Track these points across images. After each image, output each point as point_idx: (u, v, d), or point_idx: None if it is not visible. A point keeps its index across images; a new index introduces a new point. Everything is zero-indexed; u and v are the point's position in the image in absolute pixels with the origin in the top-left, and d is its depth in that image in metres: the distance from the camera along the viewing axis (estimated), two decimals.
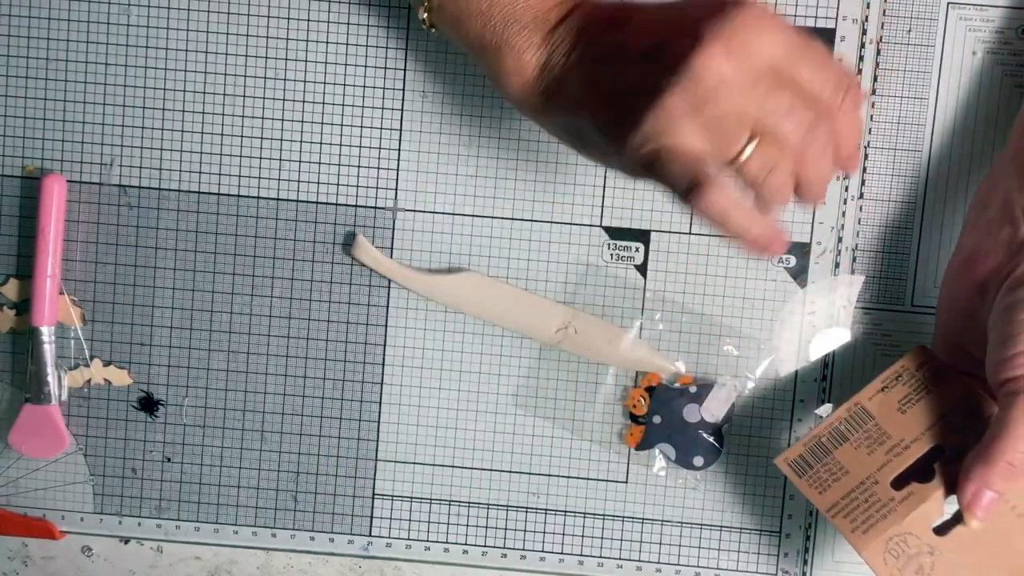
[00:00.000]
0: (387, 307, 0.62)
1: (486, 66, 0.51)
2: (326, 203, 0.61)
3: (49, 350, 0.61)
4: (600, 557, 0.63)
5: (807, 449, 0.55)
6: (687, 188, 0.45)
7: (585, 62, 0.48)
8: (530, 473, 0.62)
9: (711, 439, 0.61)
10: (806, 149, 0.45)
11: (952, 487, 0.52)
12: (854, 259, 0.60)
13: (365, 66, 0.60)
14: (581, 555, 0.63)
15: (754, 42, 0.44)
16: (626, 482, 0.62)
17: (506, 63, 0.50)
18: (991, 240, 0.52)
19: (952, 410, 0.54)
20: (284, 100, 0.60)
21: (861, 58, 0.59)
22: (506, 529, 0.63)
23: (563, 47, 0.49)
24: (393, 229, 0.61)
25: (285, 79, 0.60)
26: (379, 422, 0.62)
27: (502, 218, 0.61)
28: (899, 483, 0.53)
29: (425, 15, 0.53)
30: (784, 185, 0.45)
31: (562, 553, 0.63)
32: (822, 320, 0.60)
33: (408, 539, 0.63)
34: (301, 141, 0.61)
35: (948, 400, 0.54)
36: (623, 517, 0.62)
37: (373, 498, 0.63)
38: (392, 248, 0.61)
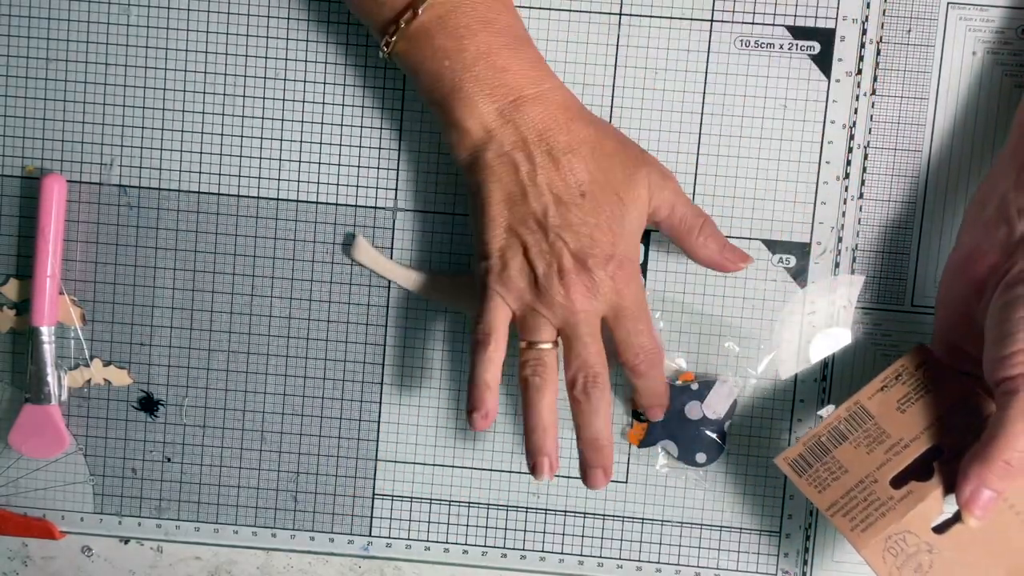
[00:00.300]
0: (387, 307, 0.62)
1: (435, 115, 0.55)
2: (326, 203, 0.61)
3: (49, 350, 0.61)
4: (600, 557, 0.63)
5: (807, 448, 0.55)
6: (477, 333, 0.55)
7: (499, 181, 0.54)
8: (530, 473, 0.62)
9: (713, 436, 0.61)
10: (581, 391, 0.55)
11: (951, 486, 0.52)
12: (854, 259, 0.60)
13: (365, 66, 0.60)
14: (581, 555, 0.63)
15: (608, 294, 0.54)
16: (626, 482, 0.62)
17: (448, 120, 0.54)
18: (988, 239, 0.53)
19: (951, 409, 0.54)
20: (284, 100, 0.60)
21: (861, 58, 0.59)
22: (506, 529, 0.63)
23: (504, 137, 0.54)
24: (393, 229, 0.61)
25: (285, 79, 0.60)
26: (379, 422, 0.62)
27: None
28: (898, 482, 0.53)
29: (384, 55, 0.55)
30: (542, 394, 0.55)
31: (562, 553, 0.63)
32: (822, 320, 0.60)
33: (408, 539, 0.63)
34: (301, 141, 0.61)
35: (947, 399, 0.54)
36: (623, 517, 0.62)
37: (373, 498, 0.63)
38: (392, 248, 0.61)
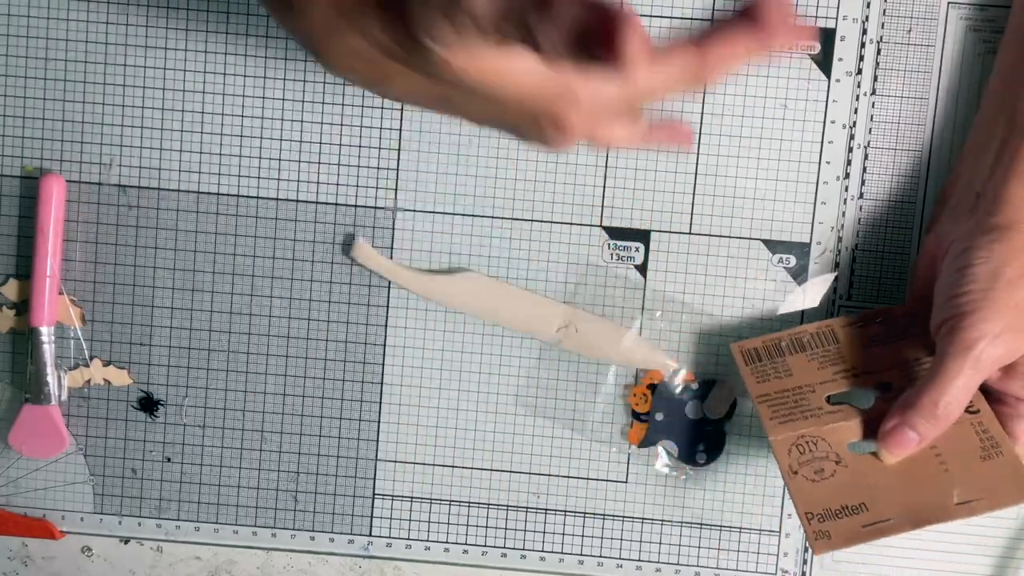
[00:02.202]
0: (387, 307, 0.62)
1: None
2: (326, 203, 0.61)
3: (49, 350, 0.61)
4: (600, 557, 0.63)
5: (764, 346, 0.57)
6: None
7: None
8: (530, 473, 0.62)
9: (714, 435, 0.61)
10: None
11: (880, 419, 0.53)
12: (854, 259, 0.60)
13: None
14: (581, 555, 0.63)
15: None
16: (626, 482, 0.62)
17: None
18: (954, 225, 0.54)
19: (916, 361, 0.55)
20: (284, 100, 0.60)
21: (861, 58, 0.59)
22: (506, 529, 0.63)
23: None
24: (393, 229, 0.61)
25: (285, 79, 0.60)
26: (379, 422, 0.62)
27: (502, 218, 0.61)
28: (835, 403, 0.54)
29: None
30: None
31: (562, 553, 0.63)
32: (821, 320, 0.60)
33: (408, 539, 0.63)
34: (301, 141, 0.60)
35: (917, 352, 0.55)
36: (623, 517, 0.62)
37: (373, 498, 0.63)
38: (392, 248, 0.61)
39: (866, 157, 0.59)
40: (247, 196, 0.61)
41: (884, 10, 0.58)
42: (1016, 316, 0.49)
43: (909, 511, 0.51)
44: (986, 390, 0.53)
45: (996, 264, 0.50)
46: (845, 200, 0.59)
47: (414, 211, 0.61)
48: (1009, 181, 0.52)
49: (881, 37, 0.58)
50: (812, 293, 0.60)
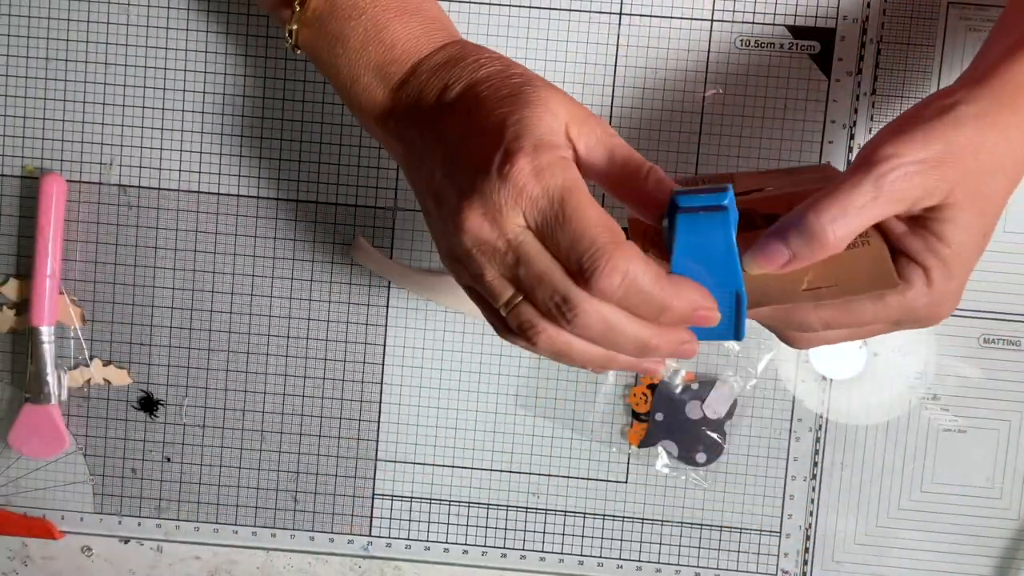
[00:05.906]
0: (387, 307, 0.62)
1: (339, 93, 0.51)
2: (326, 203, 0.61)
3: (49, 350, 0.61)
4: (600, 557, 0.63)
5: None
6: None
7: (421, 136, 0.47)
8: (530, 473, 0.62)
9: (714, 435, 0.61)
10: (550, 315, 0.44)
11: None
12: None
13: None
14: (581, 555, 0.63)
15: (507, 212, 0.43)
16: (626, 482, 0.62)
17: (360, 118, 0.50)
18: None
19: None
20: (284, 100, 0.60)
21: (861, 58, 0.59)
22: (506, 529, 0.63)
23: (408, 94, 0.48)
24: (393, 229, 0.61)
25: (285, 79, 0.60)
26: (379, 422, 0.62)
27: None
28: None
29: (289, 46, 0.51)
30: (552, 335, 0.44)
31: (562, 553, 0.63)
32: None
33: (408, 539, 0.63)
34: (301, 141, 0.61)
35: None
36: (623, 517, 0.62)
37: (373, 498, 0.63)
38: (392, 248, 0.61)
39: None
40: (247, 196, 0.61)
41: (884, 10, 0.58)
42: (949, 151, 0.42)
43: (753, 292, 0.45)
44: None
45: (954, 100, 0.43)
46: None
47: (414, 211, 0.61)
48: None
49: (881, 37, 0.59)
50: None
